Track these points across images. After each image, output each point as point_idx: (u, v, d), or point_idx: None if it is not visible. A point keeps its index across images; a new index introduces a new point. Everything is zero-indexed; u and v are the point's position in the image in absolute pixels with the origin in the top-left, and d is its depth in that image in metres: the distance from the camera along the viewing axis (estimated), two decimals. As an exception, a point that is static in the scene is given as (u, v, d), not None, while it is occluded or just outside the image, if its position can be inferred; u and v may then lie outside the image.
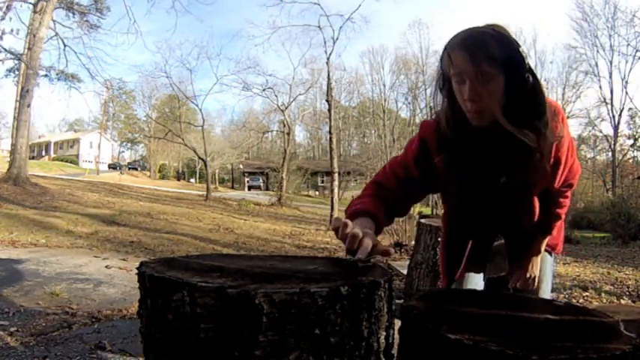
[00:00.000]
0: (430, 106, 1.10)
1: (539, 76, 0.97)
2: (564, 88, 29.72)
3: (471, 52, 0.91)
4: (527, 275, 1.32)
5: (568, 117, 30.01)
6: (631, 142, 25.81)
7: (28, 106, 12.88)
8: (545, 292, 1.39)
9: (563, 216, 1.26)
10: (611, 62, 25.77)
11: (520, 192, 1.13)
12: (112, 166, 43.53)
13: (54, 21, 14.42)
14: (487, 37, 0.91)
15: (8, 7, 13.11)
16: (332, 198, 12.39)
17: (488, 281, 1.39)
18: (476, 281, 1.34)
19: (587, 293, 4.03)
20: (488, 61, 0.90)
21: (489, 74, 0.91)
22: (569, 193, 1.22)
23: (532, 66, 0.95)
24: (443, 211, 1.36)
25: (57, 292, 3.06)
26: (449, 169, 1.10)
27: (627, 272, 5.61)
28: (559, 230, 1.35)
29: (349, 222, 0.91)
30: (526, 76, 0.93)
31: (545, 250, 1.34)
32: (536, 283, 1.33)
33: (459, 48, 0.93)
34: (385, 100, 35.89)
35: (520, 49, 0.93)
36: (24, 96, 12.71)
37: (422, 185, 1.16)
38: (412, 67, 35.63)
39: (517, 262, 1.34)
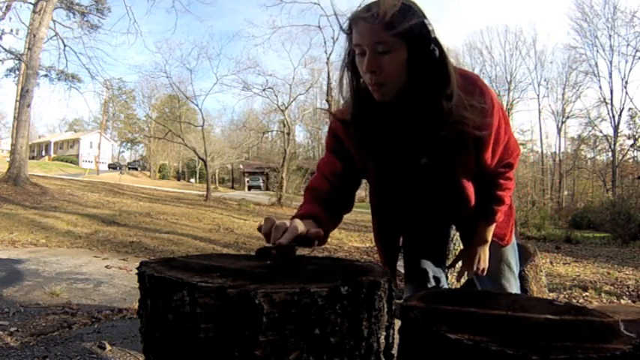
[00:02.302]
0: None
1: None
2: (564, 88, 29.74)
3: (370, 22, 0.88)
4: (475, 267, 1.25)
5: (568, 117, 30.17)
6: (631, 142, 25.79)
7: (28, 106, 12.88)
8: (511, 287, 1.30)
9: (508, 201, 1.18)
10: (611, 62, 25.77)
11: (445, 174, 1.07)
12: (112, 166, 43.49)
13: (54, 21, 14.44)
14: (388, 7, 0.87)
15: (8, 7, 13.13)
16: (332, 198, 12.34)
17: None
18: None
19: (587, 293, 4.02)
20: (387, 31, 0.87)
21: (389, 44, 0.88)
22: (510, 174, 1.15)
23: (437, 36, 0.91)
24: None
25: (57, 292, 3.06)
26: (362, 153, 1.09)
27: (627, 272, 5.61)
28: (508, 218, 1.27)
29: (273, 218, 0.91)
30: (431, 48, 0.90)
31: (493, 241, 1.26)
32: (484, 274, 1.27)
33: (359, 18, 0.90)
34: (385, 100, 35.75)
35: (425, 21, 0.90)
36: (24, 96, 12.71)
37: (349, 176, 1.15)
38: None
39: (464, 252, 1.30)
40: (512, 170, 1.15)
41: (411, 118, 0.98)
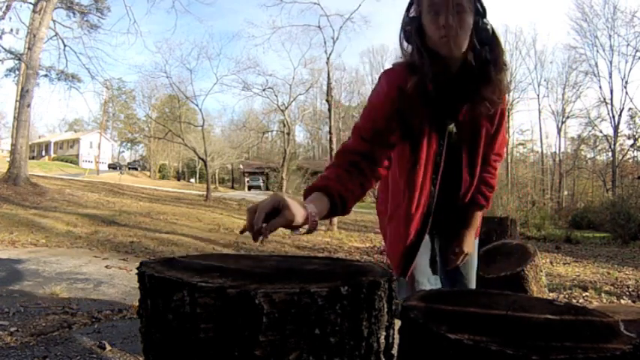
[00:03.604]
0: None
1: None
2: (564, 88, 29.74)
3: None
4: (464, 253, 1.28)
5: (568, 117, 30.14)
6: (631, 142, 25.79)
7: (28, 106, 12.87)
8: (474, 277, 1.36)
9: (496, 188, 1.32)
10: (611, 62, 25.77)
11: (468, 148, 1.19)
12: (112, 166, 43.48)
13: (54, 21, 14.43)
14: None
15: (8, 7, 13.12)
16: (332, 198, 12.35)
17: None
18: (427, 276, 1.30)
19: (587, 293, 4.02)
20: None
21: (462, 7, 1.02)
22: (498, 165, 1.31)
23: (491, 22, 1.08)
24: (391, 181, 1.27)
25: (57, 292, 3.06)
26: (421, 112, 1.12)
27: (627, 272, 5.61)
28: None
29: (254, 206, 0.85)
30: (487, 21, 1.07)
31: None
32: (467, 261, 1.30)
33: None
34: (385, 100, 35.77)
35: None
36: (24, 96, 12.71)
37: (389, 136, 1.11)
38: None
39: (456, 239, 1.30)
40: (500, 160, 1.31)
41: (463, 82, 1.10)
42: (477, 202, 1.27)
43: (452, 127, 1.16)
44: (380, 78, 1.16)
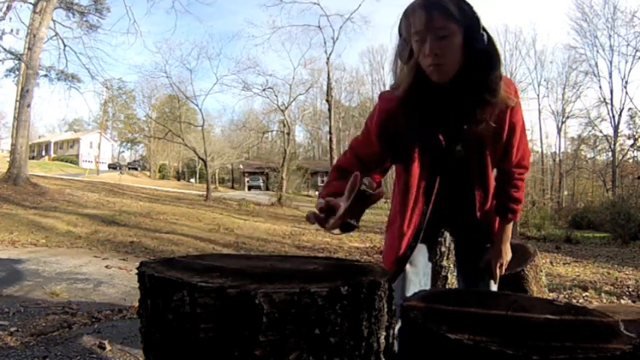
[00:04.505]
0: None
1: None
2: (564, 88, 29.73)
3: (430, 11, 0.98)
4: (501, 263, 1.34)
5: (568, 117, 30.11)
6: (631, 142, 25.78)
7: (28, 106, 12.87)
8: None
9: (523, 201, 1.30)
10: (611, 62, 25.76)
11: (477, 161, 1.17)
12: (112, 166, 43.46)
13: (54, 21, 14.43)
14: None
15: (8, 7, 13.13)
16: (332, 198, 12.34)
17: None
18: (417, 279, 1.32)
19: (587, 293, 4.02)
20: (446, 17, 0.97)
21: (448, 30, 0.98)
22: (524, 177, 1.27)
23: (485, 26, 1.02)
24: (394, 193, 1.32)
25: (57, 292, 3.06)
26: (410, 135, 1.13)
27: (627, 272, 5.61)
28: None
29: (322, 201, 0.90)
30: (481, 33, 1.00)
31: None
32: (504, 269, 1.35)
33: (418, 8, 1.00)
34: (385, 100, 35.76)
35: (474, 9, 1.00)
36: (24, 96, 12.70)
37: (383, 161, 1.20)
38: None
39: (493, 251, 1.34)
40: (525, 173, 1.26)
41: (459, 98, 1.06)
42: (505, 217, 1.29)
43: (454, 144, 1.15)
44: (378, 100, 1.19)
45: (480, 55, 1.01)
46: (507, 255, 1.34)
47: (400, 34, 1.07)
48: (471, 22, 0.99)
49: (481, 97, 1.04)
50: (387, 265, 1.30)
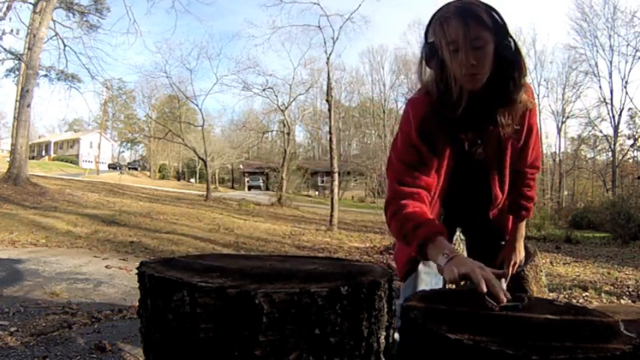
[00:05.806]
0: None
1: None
2: (564, 88, 29.69)
3: (466, 21, 0.98)
4: (516, 262, 1.37)
5: (568, 117, 30.09)
6: (631, 142, 25.76)
7: (28, 106, 12.87)
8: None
9: (536, 199, 1.36)
10: (611, 62, 25.73)
11: (495, 164, 1.20)
12: (112, 166, 43.46)
13: (54, 21, 14.42)
14: (475, 6, 1.00)
15: (8, 7, 13.12)
16: (332, 198, 12.37)
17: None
18: (430, 279, 1.31)
19: (587, 293, 4.02)
20: (481, 27, 0.98)
21: (483, 40, 0.99)
22: (536, 177, 1.32)
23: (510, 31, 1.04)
24: None
25: (57, 292, 3.06)
26: (441, 138, 1.14)
27: (627, 272, 5.61)
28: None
29: (484, 273, 0.86)
30: (509, 40, 1.02)
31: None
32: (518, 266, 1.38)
33: (453, 17, 0.99)
34: (385, 100, 35.88)
35: (502, 17, 1.02)
36: (24, 96, 12.70)
37: (431, 164, 1.15)
38: (412, 67, 35.54)
39: (508, 248, 1.37)
40: (537, 173, 1.32)
41: (486, 103, 1.08)
42: (519, 215, 1.33)
43: (476, 146, 1.17)
44: (406, 107, 1.19)
45: (507, 61, 1.03)
46: (521, 253, 1.37)
47: (426, 39, 1.07)
48: (500, 29, 1.01)
49: (507, 101, 1.07)
50: (399, 265, 1.32)
